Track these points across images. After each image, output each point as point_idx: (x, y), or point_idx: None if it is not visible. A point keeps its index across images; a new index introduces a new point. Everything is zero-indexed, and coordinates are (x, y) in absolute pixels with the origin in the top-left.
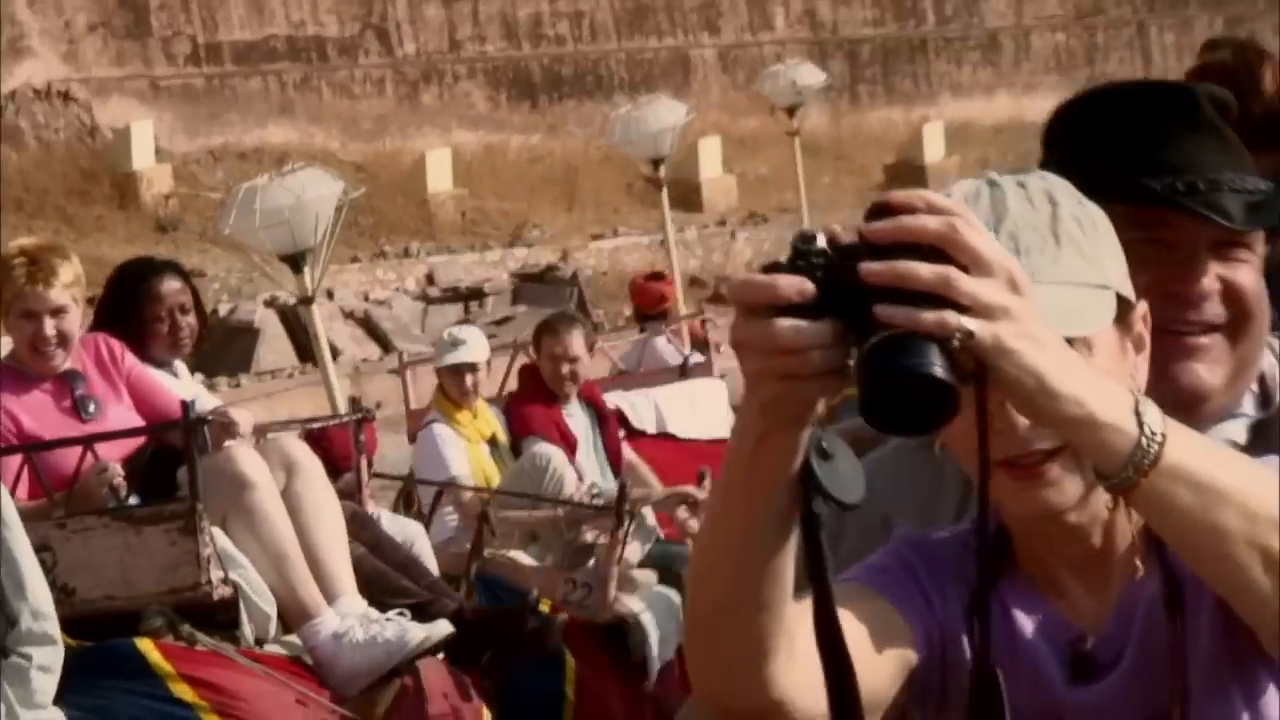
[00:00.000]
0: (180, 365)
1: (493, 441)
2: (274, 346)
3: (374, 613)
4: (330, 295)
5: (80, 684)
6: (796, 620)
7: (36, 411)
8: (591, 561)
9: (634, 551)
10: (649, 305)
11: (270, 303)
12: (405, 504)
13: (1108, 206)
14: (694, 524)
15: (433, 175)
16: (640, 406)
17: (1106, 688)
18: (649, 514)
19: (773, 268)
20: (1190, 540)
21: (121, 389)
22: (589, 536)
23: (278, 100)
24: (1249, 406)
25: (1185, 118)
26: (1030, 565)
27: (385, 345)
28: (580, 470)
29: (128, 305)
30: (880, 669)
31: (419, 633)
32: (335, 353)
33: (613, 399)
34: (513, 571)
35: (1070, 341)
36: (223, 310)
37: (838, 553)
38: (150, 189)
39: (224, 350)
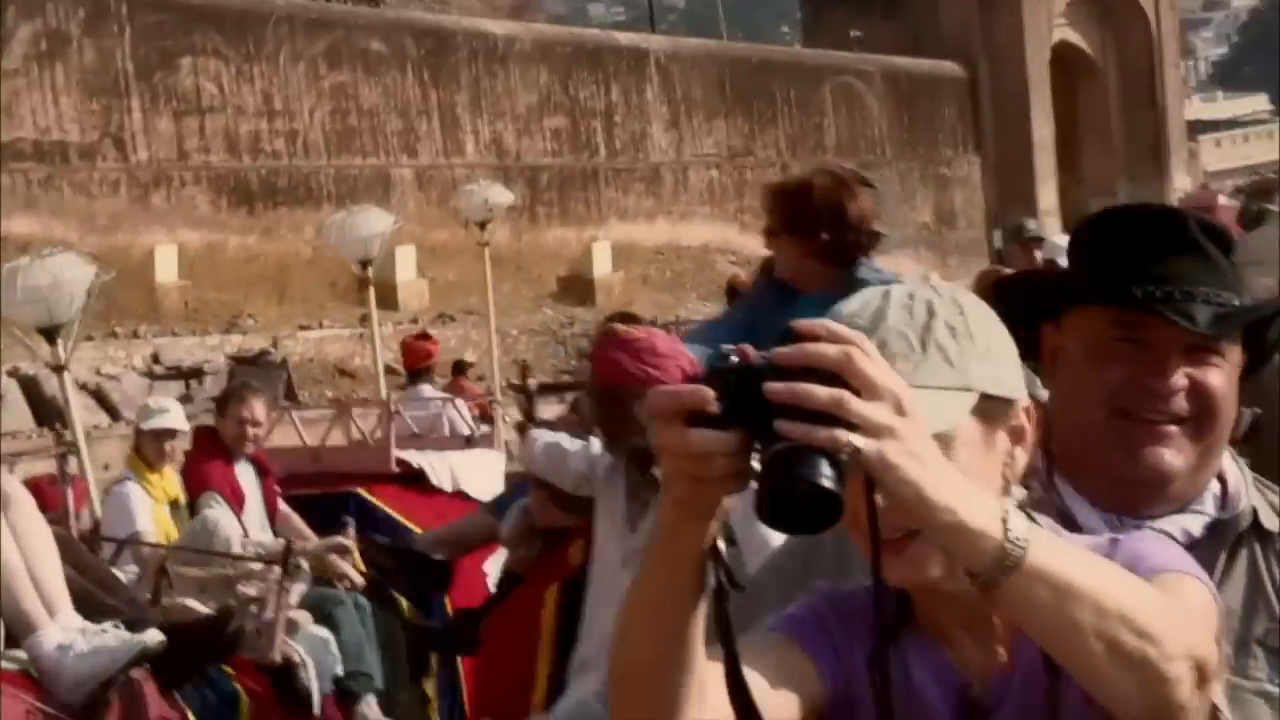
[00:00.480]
0: None
1: (174, 503)
2: (14, 411)
3: (91, 626)
4: (68, 369)
5: None
6: (706, 675)
7: None
8: (254, 608)
9: (293, 596)
10: (417, 361)
11: (13, 373)
12: None
13: (1103, 310)
14: (344, 567)
15: (160, 267)
16: (437, 467)
17: None
18: (304, 563)
19: (692, 380)
20: (1048, 635)
21: None
22: (252, 589)
23: (23, 195)
24: (1210, 505)
25: (1175, 238)
26: (927, 620)
27: (114, 414)
28: (245, 525)
29: None
30: (790, 712)
31: (137, 640)
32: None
33: (414, 458)
34: (188, 617)
35: None
36: None
37: (764, 601)
38: None
39: None
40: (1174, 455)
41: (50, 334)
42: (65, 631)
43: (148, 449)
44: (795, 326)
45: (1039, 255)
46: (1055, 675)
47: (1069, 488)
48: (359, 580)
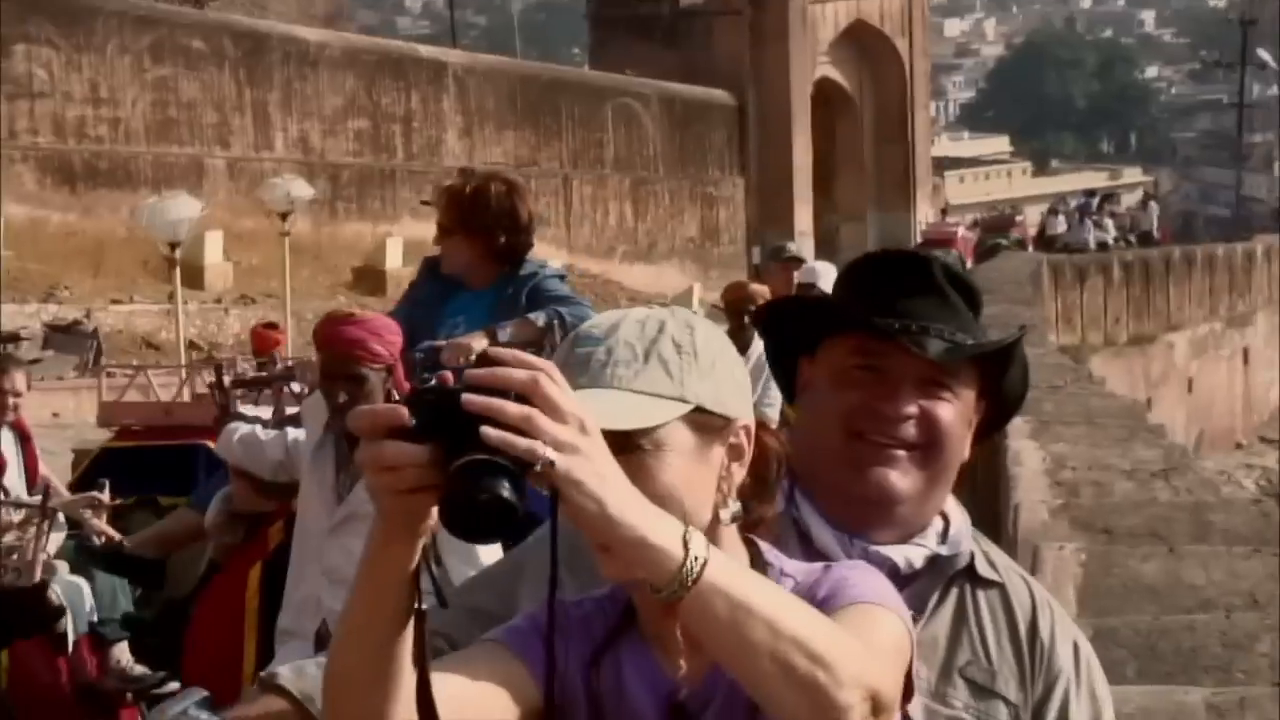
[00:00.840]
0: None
1: None
2: None
3: None
4: None
5: None
6: (412, 689)
7: None
8: (15, 556)
9: (53, 544)
10: (265, 349)
11: None
12: None
13: (849, 337)
14: (96, 523)
15: None
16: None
17: None
18: (61, 516)
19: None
20: (725, 651)
21: None
22: (12, 536)
23: None
24: (933, 540)
25: (920, 280)
26: (647, 623)
27: None
28: (8, 486)
29: None
30: (502, 713)
31: None
32: None
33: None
34: None
35: (637, 436)
36: None
37: (519, 595)
38: None
39: None
40: (900, 477)
41: None
42: None
43: None
44: (488, 352)
45: (796, 276)
46: None
47: (807, 505)
48: (113, 535)
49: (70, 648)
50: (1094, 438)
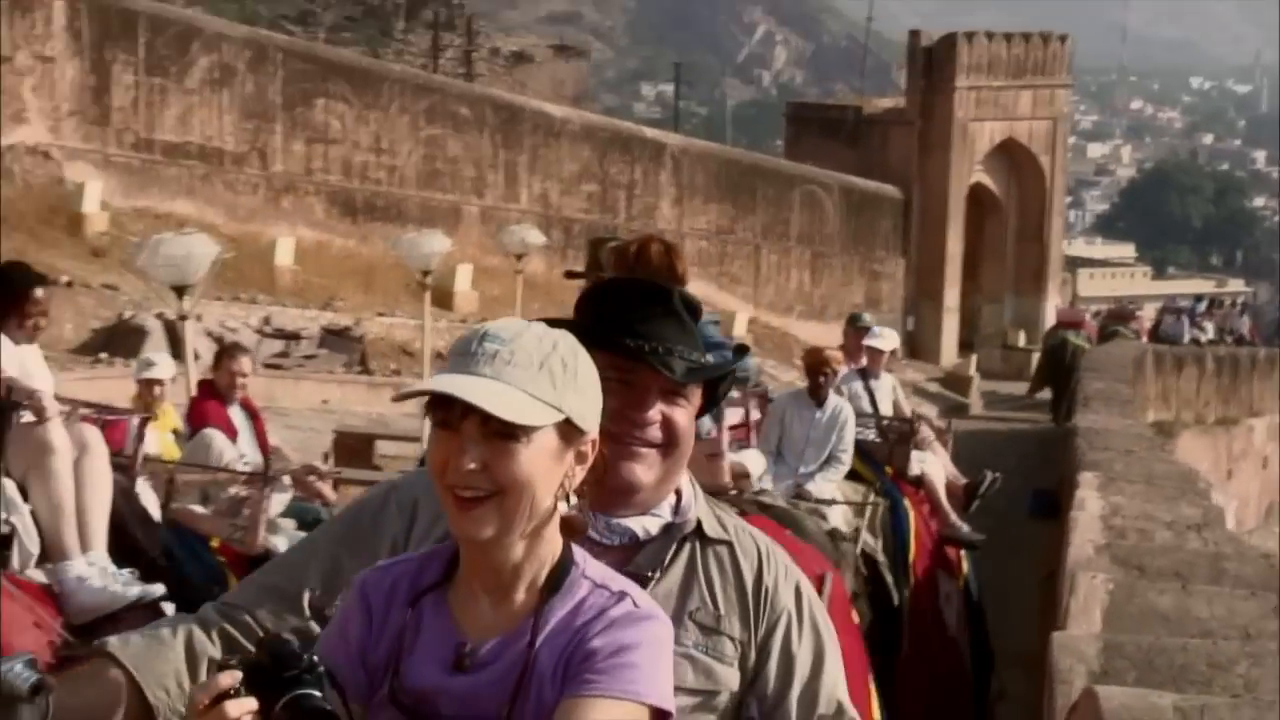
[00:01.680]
0: (31, 348)
1: (176, 433)
2: (155, 344)
3: (112, 567)
4: (199, 318)
5: None
6: None
7: None
8: (246, 511)
9: (277, 505)
10: None
11: (158, 315)
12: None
13: (603, 354)
14: (319, 487)
15: (279, 253)
16: None
17: (472, 680)
18: (287, 480)
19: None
20: None
21: None
22: (244, 493)
23: (186, 185)
24: (666, 512)
25: (661, 305)
26: (462, 577)
27: None
28: (241, 453)
29: (9, 298)
30: None
31: (137, 590)
32: (196, 355)
33: None
34: (191, 519)
35: (519, 428)
36: (126, 314)
37: (381, 523)
38: (92, 227)
39: (123, 340)
40: (645, 470)
41: (180, 291)
42: (89, 566)
43: (144, 393)
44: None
45: (865, 339)
46: (531, 645)
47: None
48: (331, 497)
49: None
50: (1149, 494)
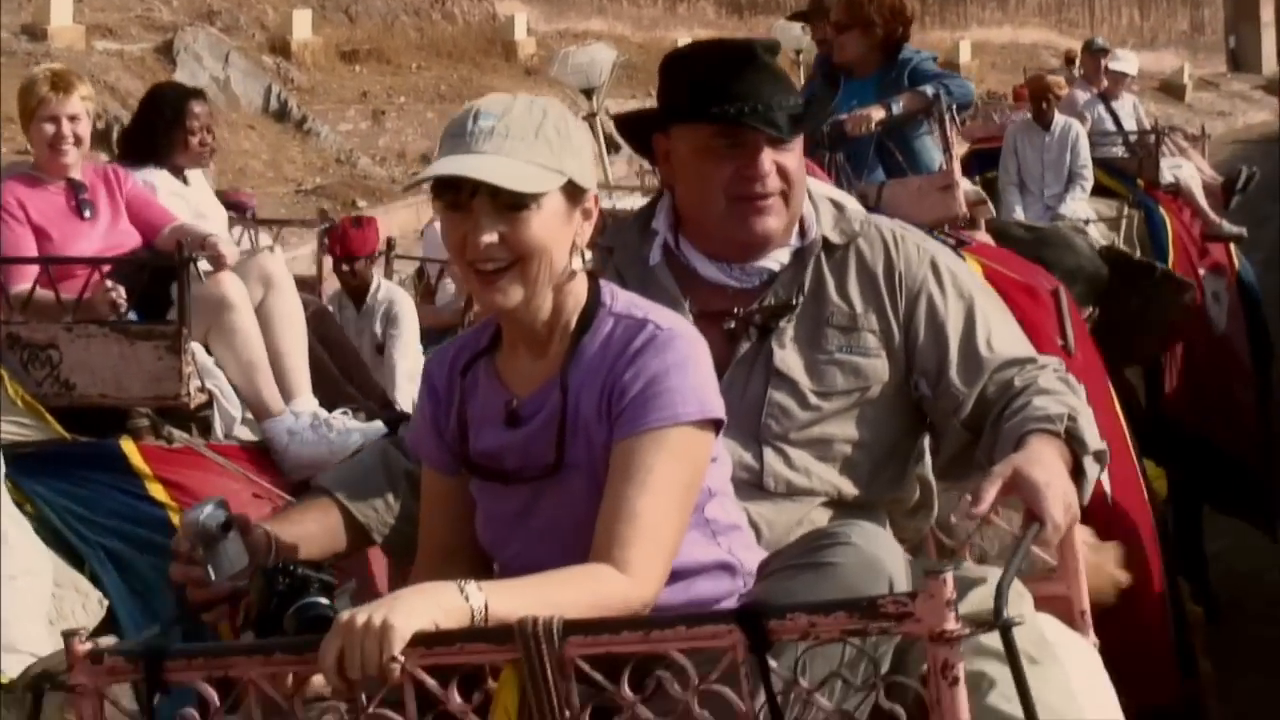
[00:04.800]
0: (197, 174)
1: None
2: None
3: (323, 413)
4: (610, 114)
5: (70, 475)
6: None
7: (43, 207)
8: None
9: None
10: None
11: (585, 118)
12: (419, 277)
13: (704, 125)
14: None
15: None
16: None
17: (525, 432)
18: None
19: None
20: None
21: (121, 208)
22: None
23: (597, 4)
24: (793, 239)
25: (749, 62)
26: (505, 341)
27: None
28: None
29: (163, 122)
30: (455, 522)
31: (357, 435)
32: (617, 146)
33: None
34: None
35: (528, 197)
36: None
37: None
38: (524, 51)
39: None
40: (775, 220)
41: (588, 94)
42: (298, 418)
43: None
44: None
45: (1104, 63)
46: (564, 393)
47: (693, 249)
48: None
49: None
50: None
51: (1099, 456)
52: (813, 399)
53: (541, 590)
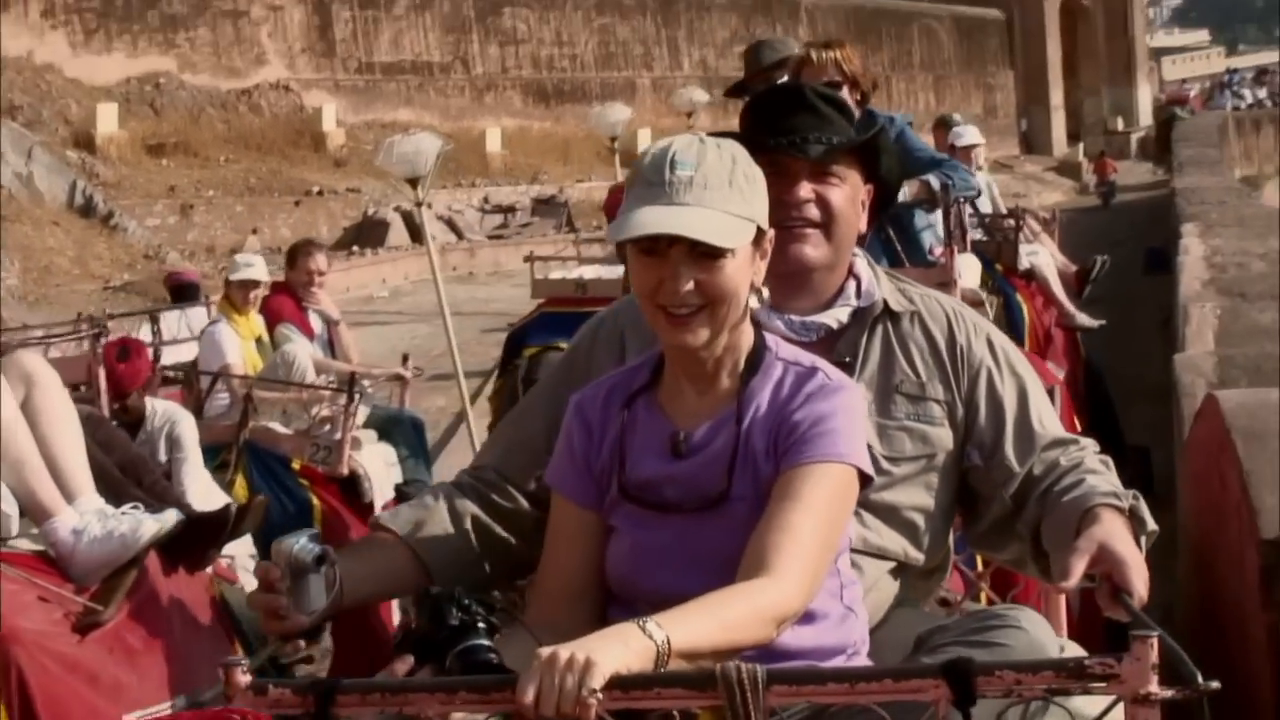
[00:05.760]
0: None
1: (259, 340)
2: (396, 232)
3: (110, 509)
4: (430, 205)
5: None
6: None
7: None
8: (327, 428)
9: (360, 416)
10: (613, 210)
11: (396, 208)
12: (188, 385)
13: (756, 155)
14: (399, 393)
15: (489, 142)
16: None
17: (692, 463)
18: (369, 385)
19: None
20: (720, 656)
21: None
22: (326, 410)
23: (404, 95)
24: (852, 299)
25: (796, 103)
26: (668, 377)
27: (459, 235)
28: (319, 363)
29: None
30: (591, 558)
31: (151, 524)
32: (434, 237)
33: None
34: (270, 438)
35: (723, 248)
36: (370, 211)
37: (594, 358)
38: (332, 142)
39: (370, 233)
40: (812, 250)
41: (414, 182)
42: (82, 516)
43: (235, 296)
44: None
45: (948, 137)
46: (738, 425)
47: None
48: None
49: (377, 512)
50: (1242, 234)
51: (1150, 536)
52: (884, 464)
53: (711, 614)
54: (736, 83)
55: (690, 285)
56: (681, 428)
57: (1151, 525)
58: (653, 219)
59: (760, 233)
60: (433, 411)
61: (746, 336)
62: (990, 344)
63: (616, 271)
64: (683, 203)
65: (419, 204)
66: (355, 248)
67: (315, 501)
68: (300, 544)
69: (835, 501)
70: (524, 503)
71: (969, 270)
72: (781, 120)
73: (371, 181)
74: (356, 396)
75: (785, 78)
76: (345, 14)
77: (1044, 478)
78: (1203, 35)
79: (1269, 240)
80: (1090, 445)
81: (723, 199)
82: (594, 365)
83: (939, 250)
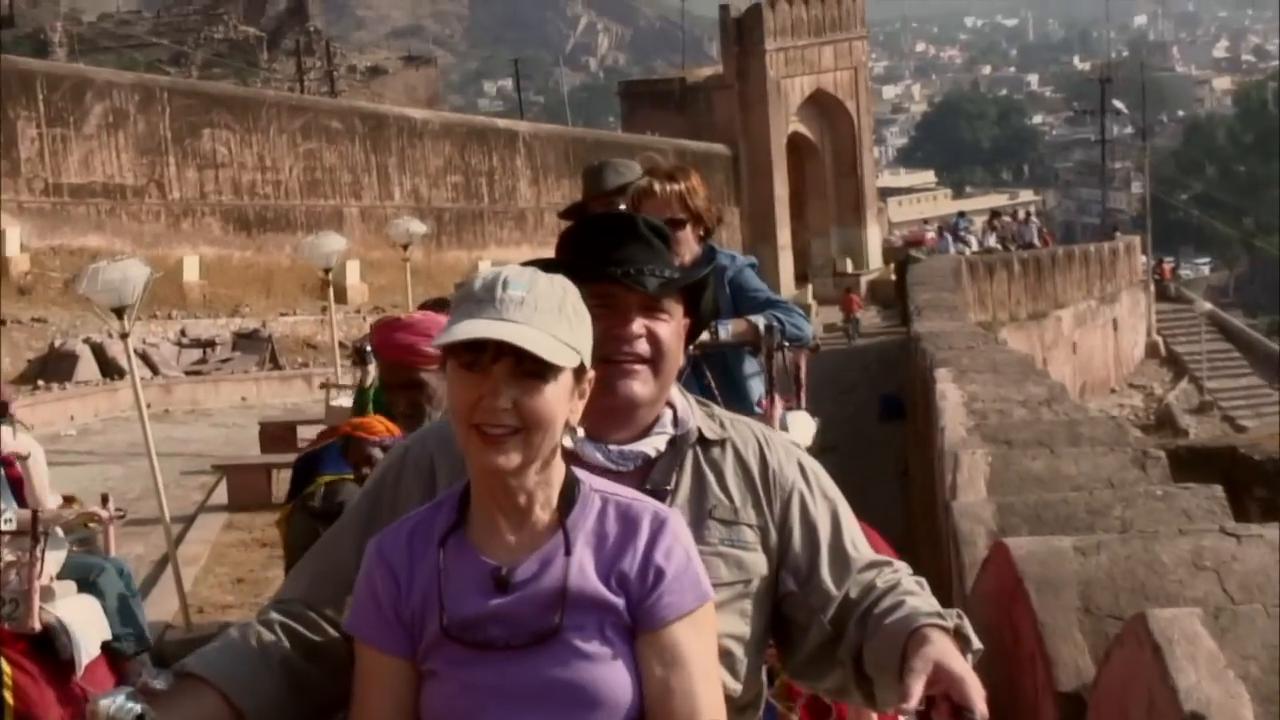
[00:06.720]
0: None
1: None
2: (86, 366)
3: None
4: (124, 337)
5: None
6: None
7: None
8: (14, 578)
9: (53, 564)
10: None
11: (86, 340)
12: None
13: (585, 284)
14: (101, 538)
15: (187, 270)
16: None
17: (519, 599)
18: (60, 531)
19: None
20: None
21: None
22: (9, 556)
23: (95, 220)
24: (669, 427)
25: (629, 233)
26: (478, 513)
27: (154, 370)
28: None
29: None
30: (404, 706)
31: None
32: (123, 372)
33: None
34: None
35: (552, 368)
36: (57, 342)
37: (402, 485)
38: (16, 268)
39: (56, 366)
40: (641, 386)
41: (119, 312)
42: None
43: None
44: None
45: None
46: (568, 556)
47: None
48: (113, 548)
49: (79, 671)
50: (998, 380)
51: (976, 654)
52: None
53: None
54: (575, 204)
55: (509, 405)
56: (501, 563)
57: (977, 644)
58: (481, 327)
59: (582, 370)
60: (131, 559)
61: (559, 472)
62: (801, 468)
63: None
64: (512, 319)
65: (124, 335)
66: (40, 381)
67: (4, 665)
68: (118, 703)
69: (713, 646)
70: (334, 633)
71: (801, 428)
72: (614, 250)
73: (59, 311)
74: (41, 539)
75: (623, 206)
76: (31, 131)
77: (861, 600)
78: (929, 176)
79: (1025, 386)
80: (904, 567)
81: (552, 322)
82: (402, 493)
83: (765, 402)
